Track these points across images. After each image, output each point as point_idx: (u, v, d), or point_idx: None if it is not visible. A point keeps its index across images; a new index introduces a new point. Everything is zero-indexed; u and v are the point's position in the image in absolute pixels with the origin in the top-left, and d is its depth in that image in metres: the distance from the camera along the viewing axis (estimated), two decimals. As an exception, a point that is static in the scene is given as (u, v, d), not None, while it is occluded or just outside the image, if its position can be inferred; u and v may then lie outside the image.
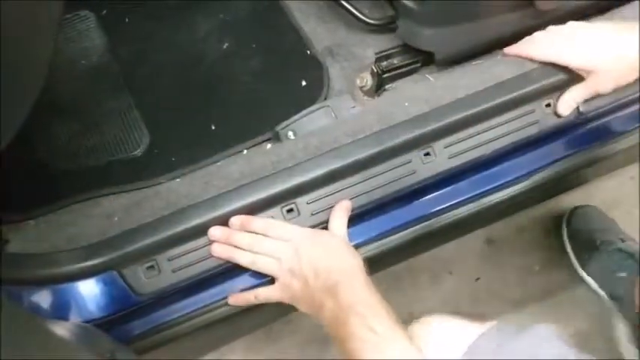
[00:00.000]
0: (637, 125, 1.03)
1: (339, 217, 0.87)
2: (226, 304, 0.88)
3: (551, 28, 0.96)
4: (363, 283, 0.80)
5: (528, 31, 1.03)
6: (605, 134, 1.02)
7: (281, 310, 1.16)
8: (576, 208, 1.54)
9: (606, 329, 1.43)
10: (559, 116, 0.96)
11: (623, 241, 1.45)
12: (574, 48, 0.92)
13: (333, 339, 0.79)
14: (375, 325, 0.74)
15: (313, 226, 0.88)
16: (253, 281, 0.88)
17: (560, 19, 0.99)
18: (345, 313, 0.76)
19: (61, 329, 0.68)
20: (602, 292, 1.46)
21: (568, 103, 0.95)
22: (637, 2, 1.03)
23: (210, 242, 0.85)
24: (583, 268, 1.48)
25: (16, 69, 0.64)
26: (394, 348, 0.73)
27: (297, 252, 0.83)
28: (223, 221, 0.85)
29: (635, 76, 0.89)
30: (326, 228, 0.88)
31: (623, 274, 1.41)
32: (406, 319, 1.42)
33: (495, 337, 0.78)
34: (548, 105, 0.96)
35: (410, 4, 1.04)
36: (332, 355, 1.41)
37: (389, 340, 0.74)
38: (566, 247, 1.52)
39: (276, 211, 0.87)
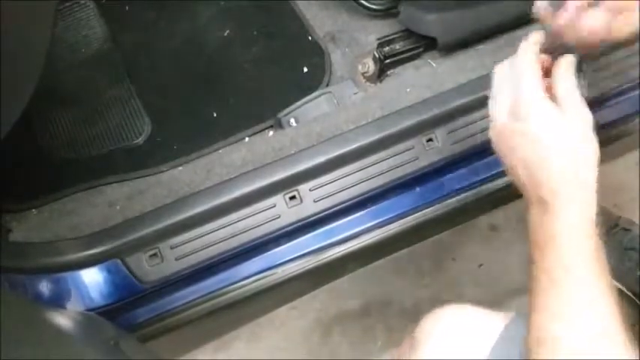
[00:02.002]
0: (639, 110, 1.02)
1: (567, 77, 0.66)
2: (230, 291, 0.88)
3: None
4: (584, 204, 0.62)
5: (530, 16, 1.02)
6: (608, 119, 1.01)
7: (285, 297, 1.17)
8: None
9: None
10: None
11: (627, 230, 1.45)
12: None
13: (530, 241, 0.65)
14: (571, 265, 0.60)
15: (315, 214, 0.88)
16: (258, 267, 0.88)
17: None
18: (546, 238, 0.62)
19: (65, 318, 0.68)
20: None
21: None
22: None
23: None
24: None
25: (14, 58, 0.63)
26: (585, 299, 0.59)
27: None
28: (226, 209, 0.85)
29: None
30: (328, 217, 0.88)
31: (630, 265, 1.41)
32: (410, 307, 1.43)
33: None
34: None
35: (412, -11, 1.03)
36: (335, 342, 1.41)
37: (582, 286, 0.60)
38: None
39: (278, 198, 0.87)
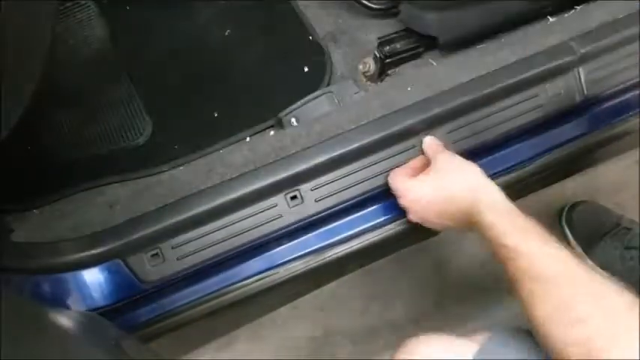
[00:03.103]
0: (639, 109, 1.02)
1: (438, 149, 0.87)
2: (231, 291, 0.88)
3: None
4: (497, 198, 0.76)
5: (531, 15, 1.02)
6: (609, 118, 1.01)
7: (287, 297, 1.17)
8: (574, 205, 1.52)
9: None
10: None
11: (628, 229, 1.44)
12: None
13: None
14: (528, 234, 0.69)
15: (316, 214, 0.88)
16: (260, 267, 0.88)
17: (563, 2, 0.98)
18: (500, 239, 0.71)
19: (66, 318, 0.68)
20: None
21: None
22: None
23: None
24: (589, 258, 1.48)
25: (14, 59, 0.63)
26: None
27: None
28: (227, 209, 0.85)
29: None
30: (329, 217, 0.88)
31: (632, 264, 1.41)
32: (412, 306, 1.43)
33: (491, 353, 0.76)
34: (552, 89, 0.95)
35: (412, -12, 1.03)
36: (337, 342, 1.41)
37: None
38: (570, 241, 1.51)
39: (279, 198, 0.87)
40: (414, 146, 0.90)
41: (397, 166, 0.90)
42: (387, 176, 0.88)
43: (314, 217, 0.89)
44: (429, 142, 0.89)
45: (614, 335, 0.59)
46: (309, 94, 1.03)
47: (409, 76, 1.06)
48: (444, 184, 0.81)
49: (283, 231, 0.88)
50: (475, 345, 0.77)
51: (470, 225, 0.77)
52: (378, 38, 1.08)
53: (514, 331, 0.78)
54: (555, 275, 0.65)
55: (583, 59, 0.95)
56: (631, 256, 1.42)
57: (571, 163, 1.03)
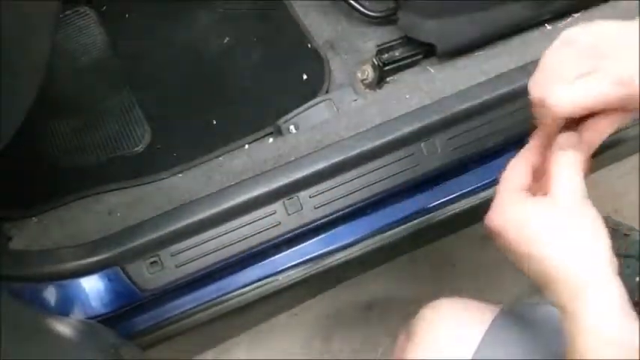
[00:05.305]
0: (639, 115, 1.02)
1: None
2: (230, 298, 0.88)
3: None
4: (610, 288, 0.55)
5: (529, 22, 1.02)
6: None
7: (286, 304, 1.17)
8: None
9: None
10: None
11: (626, 236, 1.44)
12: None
13: None
14: None
15: (315, 221, 0.88)
16: (259, 274, 0.88)
17: (561, 10, 0.98)
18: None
19: (65, 326, 0.68)
20: None
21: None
22: None
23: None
24: None
25: (14, 68, 0.63)
26: None
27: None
28: (226, 216, 0.85)
29: None
30: (328, 224, 0.88)
31: (629, 271, 1.41)
32: (410, 312, 1.43)
33: (512, 325, 0.71)
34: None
35: (411, -5, 1.03)
36: (336, 349, 1.41)
37: None
38: None
39: (278, 205, 0.87)
40: (412, 153, 0.91)
41: (396, 174, 0.90)
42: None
43: (313, 224, 0.89)
44: (566, 141, 0.60)
45: None
46: (308, 101, 1.04)
47: (408, 83, 1.06)
48: (558, 228, 0.56)
49: (282, 238, 0.88)
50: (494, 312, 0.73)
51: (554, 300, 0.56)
52: (377, 46, 1.09)
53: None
54: None
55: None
56: (628, 264, 1.42)
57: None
